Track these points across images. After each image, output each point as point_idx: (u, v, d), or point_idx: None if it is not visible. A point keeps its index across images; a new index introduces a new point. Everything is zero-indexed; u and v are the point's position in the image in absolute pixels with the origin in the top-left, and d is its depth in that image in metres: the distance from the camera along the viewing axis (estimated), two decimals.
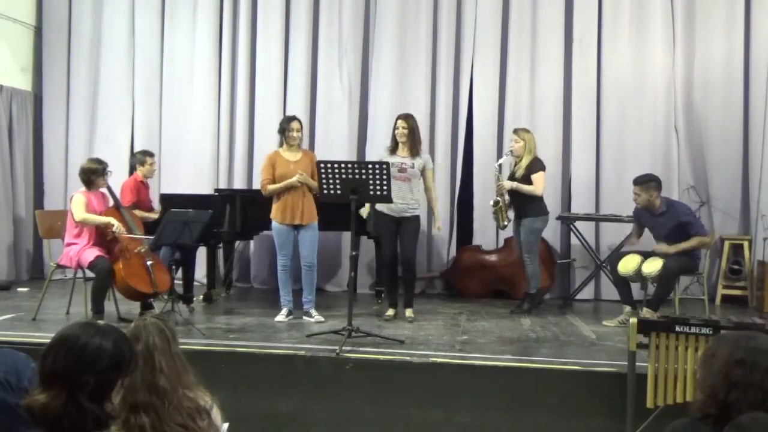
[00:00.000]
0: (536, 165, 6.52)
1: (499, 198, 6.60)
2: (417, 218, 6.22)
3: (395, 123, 6.23)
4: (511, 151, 6.62)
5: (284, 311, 6.06)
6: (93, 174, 5.84)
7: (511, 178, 6.59)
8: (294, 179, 5.90)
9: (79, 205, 5.71)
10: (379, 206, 6.10)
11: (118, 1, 8.31)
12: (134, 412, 2.29)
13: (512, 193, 6.55)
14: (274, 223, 6.04)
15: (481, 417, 4.58)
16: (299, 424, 4.69)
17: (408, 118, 6.22)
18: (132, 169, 7.99)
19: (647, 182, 6.14)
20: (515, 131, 6.68)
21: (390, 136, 6.28)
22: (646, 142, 7.54)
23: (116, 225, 5.65)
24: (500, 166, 6.72)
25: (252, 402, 4.62)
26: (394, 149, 6.19)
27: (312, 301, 6.15)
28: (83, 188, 5.86)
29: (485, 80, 7.80)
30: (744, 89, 7.48)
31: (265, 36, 8.10)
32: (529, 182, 6.45)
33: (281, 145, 6.12)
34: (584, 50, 7.66)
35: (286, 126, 6.09)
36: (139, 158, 7.01)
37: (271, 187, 5.99)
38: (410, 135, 6.13)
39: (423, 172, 6.19)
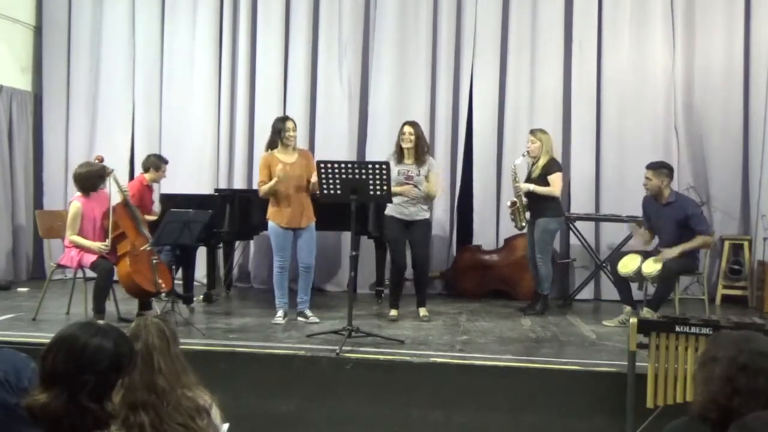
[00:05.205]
0: (553, 166, 6.49)
1: (516, 199, 6.57)
2: (427, 221, 6.22)
3: (402, 130, 6.12)
4: (528, 151, 6.57)
5: (280, 313, 6.00)
6: (99, 179, 5.78)
7: (528, 178, 6.55)
8: (273, 181, 5.79)
9: (72, 220, 5.67)
10: (389, 211, 6.09)
11: (118, 1, 8.31)
12: (134, 410, 2.30)
13: (528, 194, 6.51)
14: (270, 224, 5.97)
15: (481, 417, 4.58)
16: (299, 424, 4.69)
17: (415, 125, 6.15)
18: (133, 169, 8.00)
19: (660, 168, 6.10)
20: (532, 132, 6.63)
21: (391, 141, 6.22)
22: (646, 142, 7.52)
23: (99, 246, 5.63)
24: (516, 167, 6.61)
25: (252, 402, 4.61)
26: (400, 157, 6.10)
27: (306, 302, 6.11)
28: (79, 193, 5.78)
29: (485, 80, 7.80)
30: (744, 89, 7.47)
31: (265, 36, 8.09)
32: (546, 183, 6.42)
33: (275, 146, 6.00)
34: (584, 50, 7.66)
35: (281, 126, 5.95)
36: (154, 162, 6.83)
37: (264, 187, 5.92)
38: (417, 142, 6.05)
39: (427, 176, 6.11)
